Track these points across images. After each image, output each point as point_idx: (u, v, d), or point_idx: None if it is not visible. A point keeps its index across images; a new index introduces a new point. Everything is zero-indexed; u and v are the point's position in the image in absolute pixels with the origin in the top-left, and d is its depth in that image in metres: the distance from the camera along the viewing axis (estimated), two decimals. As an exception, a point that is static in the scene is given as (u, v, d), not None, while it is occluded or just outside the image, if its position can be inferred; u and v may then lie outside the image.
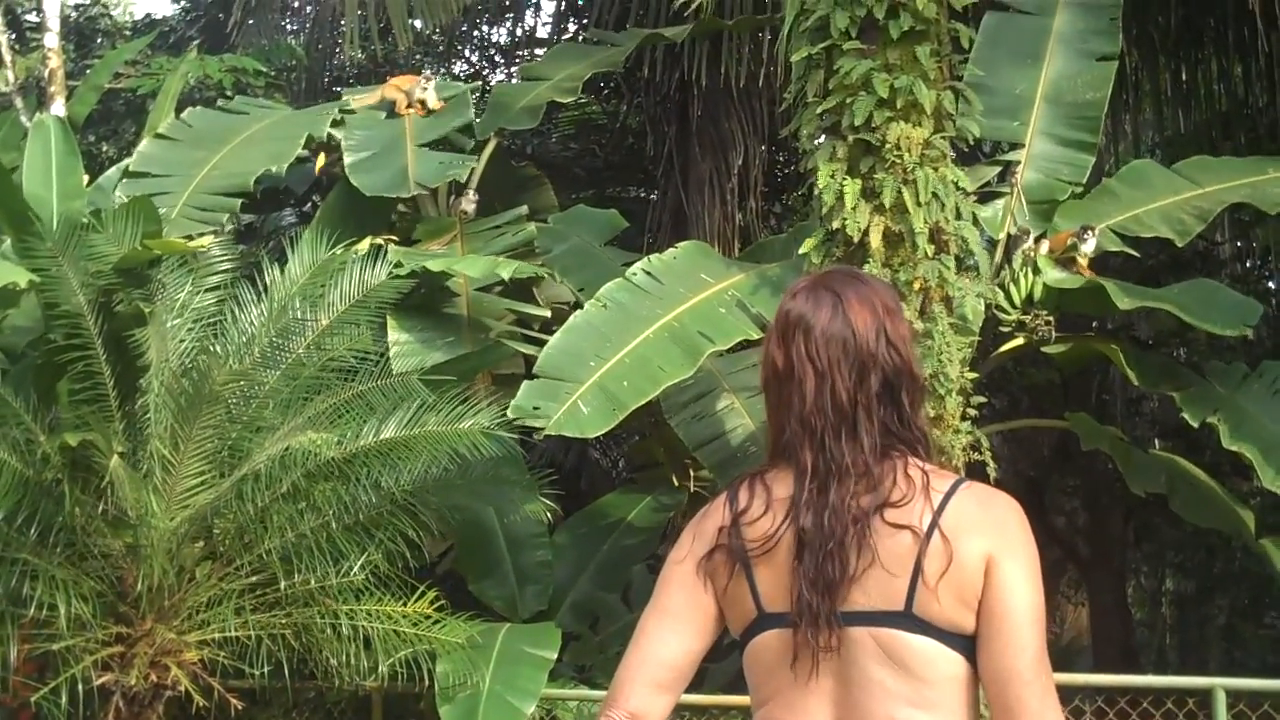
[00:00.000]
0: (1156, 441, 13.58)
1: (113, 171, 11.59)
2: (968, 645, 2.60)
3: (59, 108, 12.11)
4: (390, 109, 12.07)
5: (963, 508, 2.62)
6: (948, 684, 2.59)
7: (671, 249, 10.03)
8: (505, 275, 9.95)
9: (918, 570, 2.57)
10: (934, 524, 2.59)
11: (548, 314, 10.76)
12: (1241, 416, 9.08)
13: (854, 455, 2.64)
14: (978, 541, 2.58)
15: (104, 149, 15.88)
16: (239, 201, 10.86)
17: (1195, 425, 9.06)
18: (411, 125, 11.80)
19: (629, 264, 9.91)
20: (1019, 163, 10.01)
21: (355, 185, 10.88)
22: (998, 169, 10.24)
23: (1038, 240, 9.58)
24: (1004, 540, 2.60)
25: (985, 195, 9.75)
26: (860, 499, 2.62)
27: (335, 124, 11.82)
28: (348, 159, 11.29)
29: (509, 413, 8.51)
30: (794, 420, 2.70)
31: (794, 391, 2.70)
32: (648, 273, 9.51)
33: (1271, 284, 15.32)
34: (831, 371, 2.67)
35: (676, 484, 11.43)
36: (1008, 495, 2.70)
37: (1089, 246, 9.47)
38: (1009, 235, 9.75)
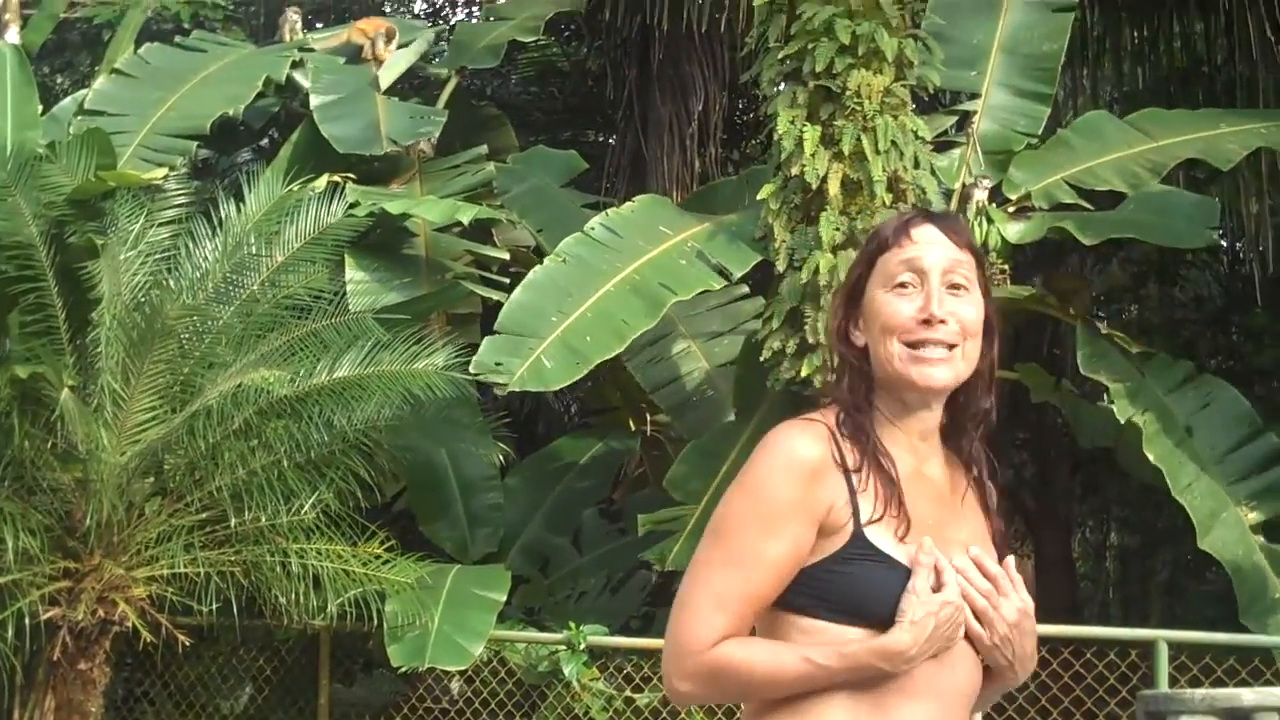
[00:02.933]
0: (1105, 395, 13.62)
1: (67, 102, 11.48)
2: None
3: (13, 36, 11.94)
4: (354, 54, 11.97)
5: None
6: None
7: (629, 202, 10.00)
8: (465, 220, 9.91)
9: None
10: None
11: (506, 256, 10.74)
12: (1168, 423, 9.12)
13: None
14: None
15: (58, 81, 15.68)
16: (194, 144, 10.83)
17: (1122, 421, 9.07)
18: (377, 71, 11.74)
19: (588, 205, 9.88)
20: (975, 113, 10.02)
21: (326, 136, 10.80)
22: (955, 118, 10.24)
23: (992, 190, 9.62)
24: None
25: (941, 145, 9.75)
26: None
27: (295, 65, 11.73)
28: (314, 101, 11.21)
29: (471, 369, 8.52)
30: None
31: None
32: (606, 226, 9.47)
33: (1224, 242, 15.39)
34: None
35: (633, 428, 11.44)
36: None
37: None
38: (964, 185, 9.76)
